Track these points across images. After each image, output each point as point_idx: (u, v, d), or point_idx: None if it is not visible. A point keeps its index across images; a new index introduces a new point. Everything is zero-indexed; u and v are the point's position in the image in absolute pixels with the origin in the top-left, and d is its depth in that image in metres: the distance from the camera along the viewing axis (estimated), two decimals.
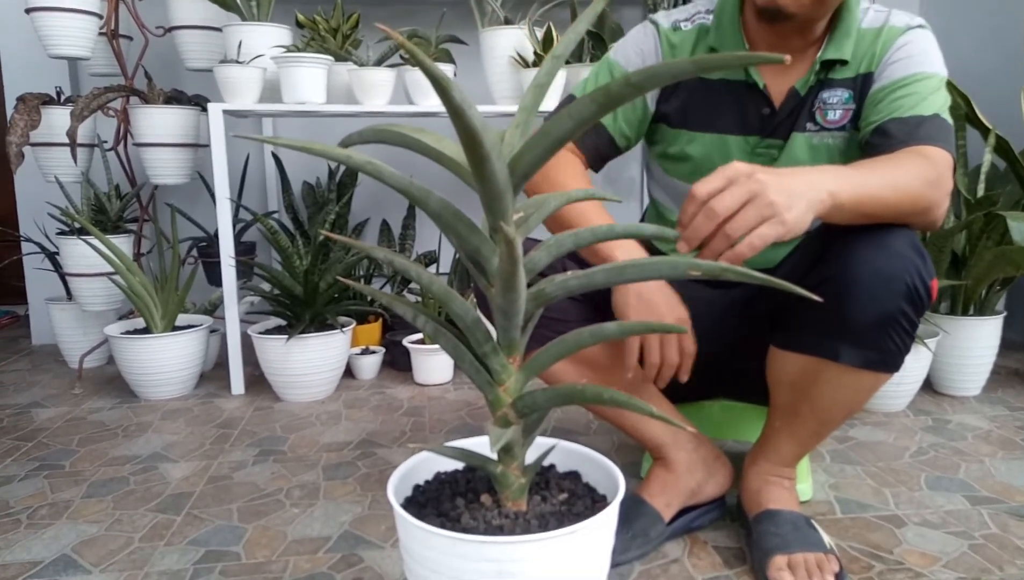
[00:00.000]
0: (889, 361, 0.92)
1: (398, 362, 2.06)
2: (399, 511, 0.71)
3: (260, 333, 1.79)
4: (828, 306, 0.89)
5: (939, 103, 0.99)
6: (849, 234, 0.88)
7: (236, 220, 2.19)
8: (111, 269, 1.85)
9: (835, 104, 1.07)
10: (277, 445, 1.53)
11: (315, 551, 1.11)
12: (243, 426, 1.65)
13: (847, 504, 1.23)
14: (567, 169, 1.08)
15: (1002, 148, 1.76)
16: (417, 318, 0.75)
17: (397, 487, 0.80)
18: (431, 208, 0.69)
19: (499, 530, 0.72)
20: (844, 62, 1.05)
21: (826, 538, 1.04)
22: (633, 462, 1.40)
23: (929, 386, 1.84)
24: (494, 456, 0.76)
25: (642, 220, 1.38)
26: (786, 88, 1.07)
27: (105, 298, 1.99)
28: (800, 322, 0.95)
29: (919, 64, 1.01)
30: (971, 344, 1.75)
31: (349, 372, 2.01)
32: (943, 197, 0.91)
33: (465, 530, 0.72)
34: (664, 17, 1.14)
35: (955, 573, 1.03)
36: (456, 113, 0.57)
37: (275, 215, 2.34)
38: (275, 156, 2.30)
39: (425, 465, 0.86)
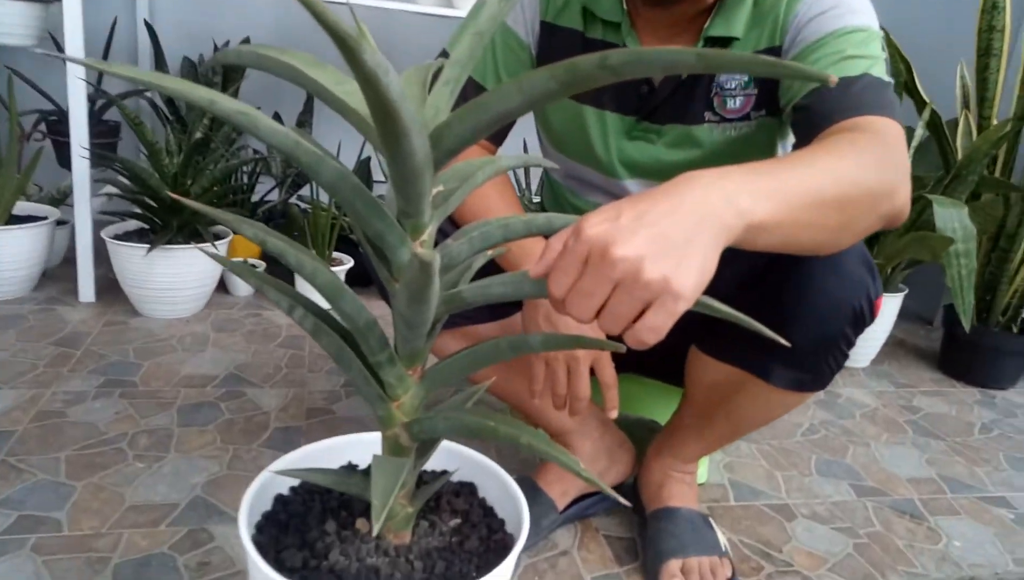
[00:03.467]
0: (819, 382, 0.85)
1: (281, 276, 1.86)
2: (250, 551, 0.57)
3: (116, 237, 1.54)
4: (769, 325, 0.79)
5: (868, 60, 0.78)
6: None
7: (98, 93, 1.86)
8: None
9: (734, 90, 0.88)
10: (127, 374, 1.34)
11: (156, 522, 0.95)
12: (88, 345, 1.43)
13: (740, 490, 1.20)
14: (493, 193, 0.90)
15: (934, 124, 1.71)
16: (294, 310, 0.59)
17: (254, 503, 0.65)
18: (324, 179, 0.53)
19: (374, 574, 0.60)
20: (734, 39, 0.86)
21: (722, 539, 0.99)
22: None
23: None
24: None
25: (540, 195, 1.22)
26: None
27: None
28: (731, 330, 0.86)
29: (837, 18, 0.80)
30: None
31: (223, 285, 1.80)
32: (902, 178, 0.68)
33: (333, 572, 0.59)
34: None
35: (840, 578, 1.01)
36: (368, 81, 0.40)
37: (147, 93, 2.02)
38: (148, 24, 1.95)
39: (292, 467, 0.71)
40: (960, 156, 1.68)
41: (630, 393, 1.23)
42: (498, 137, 0.97)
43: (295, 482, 0.71)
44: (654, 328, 0.50)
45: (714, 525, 1.00)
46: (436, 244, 0.58)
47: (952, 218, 1.39)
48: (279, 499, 0.69)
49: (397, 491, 0.52)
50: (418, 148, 0.47)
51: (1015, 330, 1.74)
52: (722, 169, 0.56)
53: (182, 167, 1.48)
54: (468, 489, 0.73)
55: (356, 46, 0.37)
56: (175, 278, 1.53)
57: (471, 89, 0.91)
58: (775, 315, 0.80)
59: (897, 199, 0.68)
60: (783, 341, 0.55)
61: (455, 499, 0.70)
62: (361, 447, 0.76)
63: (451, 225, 0.88)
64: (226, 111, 0.50)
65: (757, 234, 0.56)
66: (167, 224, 1.53)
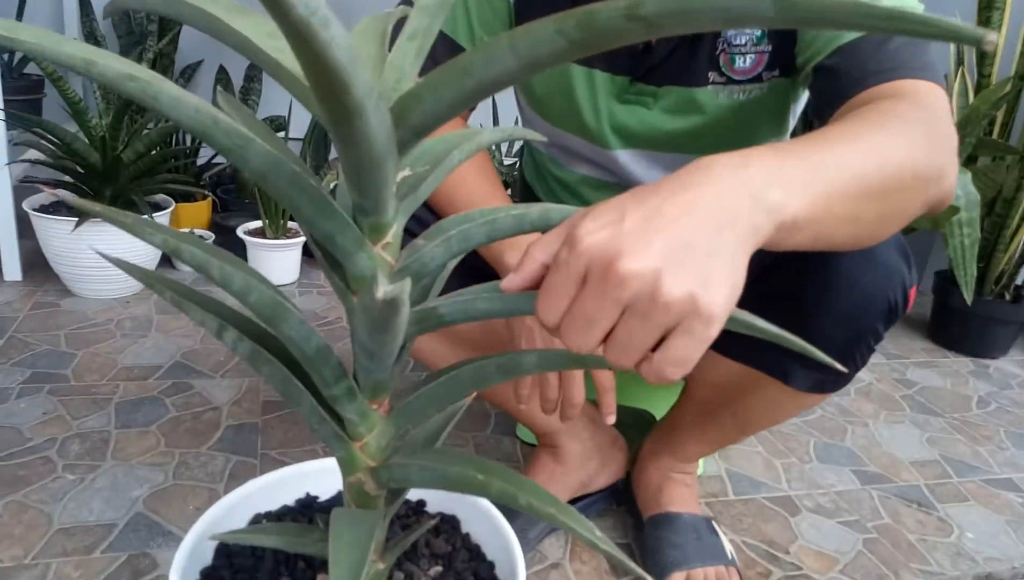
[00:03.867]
0: (842, 382, 0.75)
1: (231, 250, 1.70)
2: None
3: (41, 208, 1.38)
4: (789, 322, 0.69)
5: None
6: None
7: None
8: None
9: (744, 46, 0.77)
10: (58, 366, 1.19)
11: (89, 548, 0.83)
12: (13, 332, 1.28)
13: (739, 481, 1.11)
14: (472, 174, 0.76)
15: None
16: (224, 332, 0.46)
17: (191, 558, 0.53)
18: (252, 166, 0.39)
19: None
20: None
21: (727, 545, 0.90)
22: (508, 419, 1.20)
23: None
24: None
25: (520, 167, 1.09)
26: None
27: None
28: None
29: None
30: None
31: (167, 258, 1.64)
32: (951, 157, 0.57)
33: None
34: None
35: None
36: (300, 38, 0.27)
37: None
38: None
39: (234, 512, 0.59)
40: (956, 117, 1.57)
41: (621, 382, 1.13)
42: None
43: (244, 521, 0.59)
44: (680, 360, 0.39)
45: (718, 529, 0.91)
46: (403, 243, 0.46)
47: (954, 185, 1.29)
48: (222, 551, 0.57)
49: (367, 565, 0.41)
50: (376, 129, 0.35)
51: (1008, 298, 1.67)
52: (743, 153, 0.44)
53: (111, 129, 1.31)
54: (450, 524, 0.62)
55: None
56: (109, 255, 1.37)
57: (441, 47, 0.78)
58: (797, 310, 0.69)
59: (945, 182, 0.56)
60: (839, 366, 0.44)
61: (435, 540, 0.59)
62: (322, 476, 0.64)
63: (424, 209, 0.75)
64: (110, 76, 0.36)
65: (789, 233, 0.44)
66: (98, 193, 1.36)
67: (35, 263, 1.51)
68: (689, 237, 0.39)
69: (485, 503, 0.61)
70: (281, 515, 0.61)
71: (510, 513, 0.88)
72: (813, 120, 0.72)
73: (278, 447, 1.05)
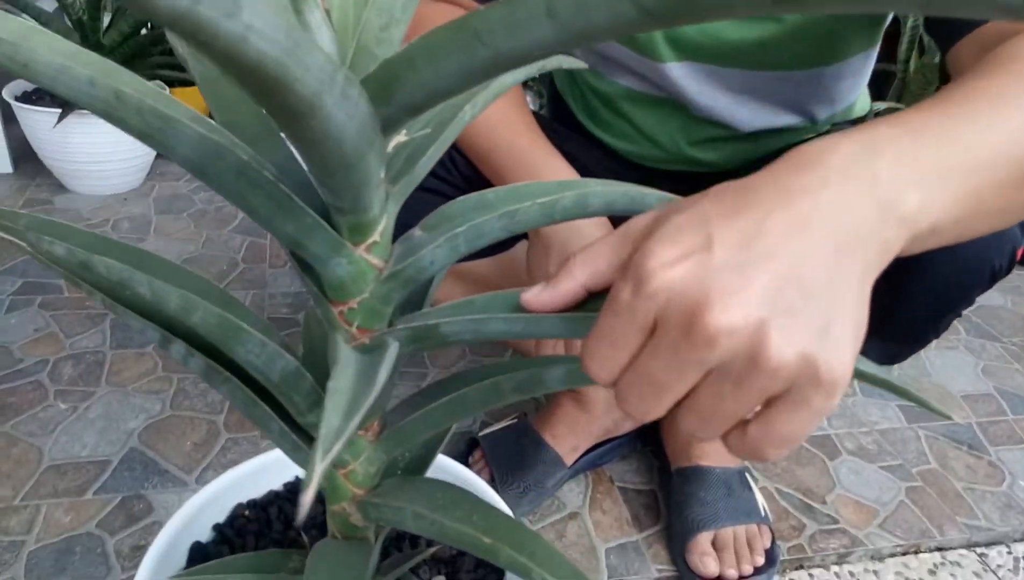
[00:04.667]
0: (915, 351, 0.65)
1: None
2: None
3: (24, 95, 1.26)
4: (877, 293, 0.58)
5: None
6: None
7: None
8: None
9: None
10: (50, 274, 1.12)
11: (82, 489, 0.78)
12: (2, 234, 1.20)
13: None
14: (501, 114, 0.65)
15: None
16: (170, 345, 0.36)
17: (164, 555, 0.47)
18: (181, 154, 0.29)
19: None
20: None
21: (759, 499, 0.84)
22: None
23: None
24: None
25: (550, 80, 0.92)
26: None
27: None
28: None
29: None
30: None
31: None
32: None
33: None
34: None
35: (892, 537, 0.87)
36: (189, 37, 0.16)
37: None
38: None
39: (217, 501, 0.52)
40: None
41: None
42: None
43: (223, 515, 0.53)
44: (787, 439, 0.29)
45: (751, 482, 0.85)
46: (396, 235, 0.35)
47: None
48: (197, 549, 0.50)
49: None
50: (343, 124, 0.24)
51: None
52: (865, 136, 0.31)
53: (90, 8, 1.17)
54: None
55: None
56: (99, 150, 1.26)
57: None
58: (888, 280, 0.57)
59: None
60: (947, 412, 0.34)
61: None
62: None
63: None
64: None
65: (923, 242, 0.33)
66: None
67: (26, 154, 1.41)
68: (802, 270, 0.27)
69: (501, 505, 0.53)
70: (267, 503, 0.54)
71: (522, 468, 0.82)
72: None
73: None
